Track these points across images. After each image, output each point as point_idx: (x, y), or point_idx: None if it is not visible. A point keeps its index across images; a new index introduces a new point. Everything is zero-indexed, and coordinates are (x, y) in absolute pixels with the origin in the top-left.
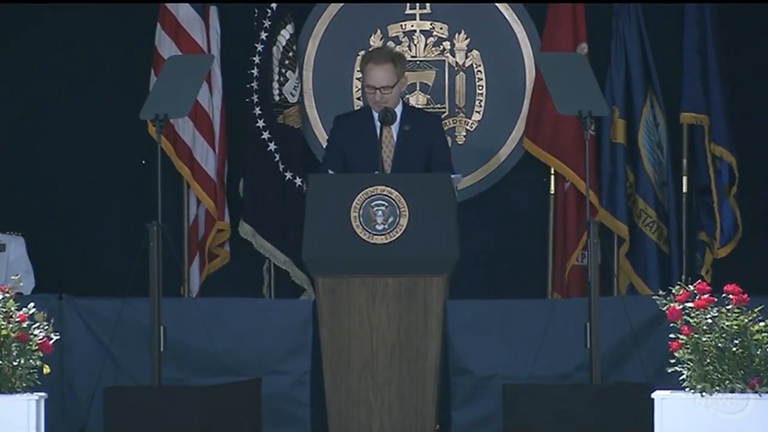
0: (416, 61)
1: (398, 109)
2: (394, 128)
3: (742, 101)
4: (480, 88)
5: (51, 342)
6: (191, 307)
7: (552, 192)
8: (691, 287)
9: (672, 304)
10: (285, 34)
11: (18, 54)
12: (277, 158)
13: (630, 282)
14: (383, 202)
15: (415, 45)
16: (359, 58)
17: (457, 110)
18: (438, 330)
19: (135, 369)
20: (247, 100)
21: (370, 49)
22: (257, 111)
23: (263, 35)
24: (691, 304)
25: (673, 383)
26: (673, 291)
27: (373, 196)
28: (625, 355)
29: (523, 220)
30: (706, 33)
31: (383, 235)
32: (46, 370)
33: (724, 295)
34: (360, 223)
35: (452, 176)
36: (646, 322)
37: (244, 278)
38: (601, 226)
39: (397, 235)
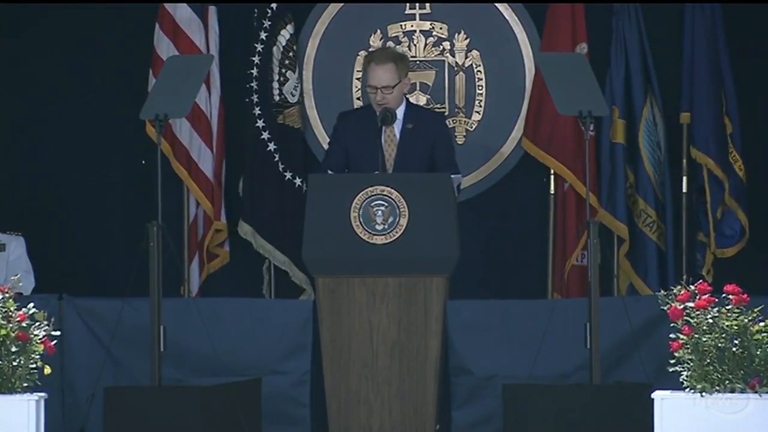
0: (416, 61)
1: (401, 108)
2: (397, 126)
3: (744, 101)
4: (480, 88)
5: (53, 343)
6: (191, 307)
7: (552, 192)
8: (692, 287)
9: (673, 304)
10: (285, 34)
11: (18, 54)
12: (277, 158)
13: (630, 282)
14: (383, 202)
15: (415, 45)
16: (359, 58)
17: (456, 110)
18: (438, 330)
19: (135, 369)
20: (247, 100)
21: (373, 49)
22: (257, 111)
23: (263, 35)
24: (691, 304)
25: (673, 383)
26: (674, 291)
27: (372, 196)
28: (625, 355)
29: (522, 220)
30: (695, 34)
31: (383, 235)
32: (47, 370)
33: (724, 295)
34: (360, 223)
35: (452, 176)
36: (646, 322)
37: (244, 278)
38: (601, 226)
39: (397, 235)
